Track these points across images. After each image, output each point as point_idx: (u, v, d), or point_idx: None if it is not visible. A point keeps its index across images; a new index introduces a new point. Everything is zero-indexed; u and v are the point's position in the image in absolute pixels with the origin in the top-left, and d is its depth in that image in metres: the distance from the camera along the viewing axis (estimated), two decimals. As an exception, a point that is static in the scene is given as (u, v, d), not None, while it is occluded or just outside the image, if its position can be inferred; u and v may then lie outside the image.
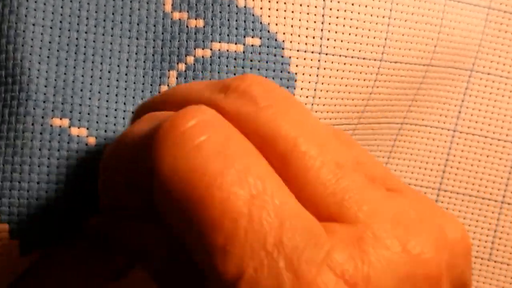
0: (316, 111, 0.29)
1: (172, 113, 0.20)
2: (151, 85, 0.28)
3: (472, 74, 0.34)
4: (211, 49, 0.27)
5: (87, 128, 0.26)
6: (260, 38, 0.28)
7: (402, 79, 0.31)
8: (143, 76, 0.28)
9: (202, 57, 0.27)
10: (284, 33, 0.28)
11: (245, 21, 0.27)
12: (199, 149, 0.18)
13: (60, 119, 0.26)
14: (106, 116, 0.27)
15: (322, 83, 0.28)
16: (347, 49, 0.28)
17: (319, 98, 0.28)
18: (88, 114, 0.26)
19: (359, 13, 0.28)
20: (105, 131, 0.26)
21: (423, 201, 0.22)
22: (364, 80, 0.29)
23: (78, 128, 0.26)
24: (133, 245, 0.22)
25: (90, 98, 0.26)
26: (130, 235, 0.22)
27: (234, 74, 0.27)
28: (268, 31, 0.28)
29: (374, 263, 0.18)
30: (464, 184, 0.35)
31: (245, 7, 0.28)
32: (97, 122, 0.26)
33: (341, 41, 0.28)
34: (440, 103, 0.34)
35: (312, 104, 0.28)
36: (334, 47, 0.28)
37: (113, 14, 0.28)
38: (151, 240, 0.21)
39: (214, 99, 0.21)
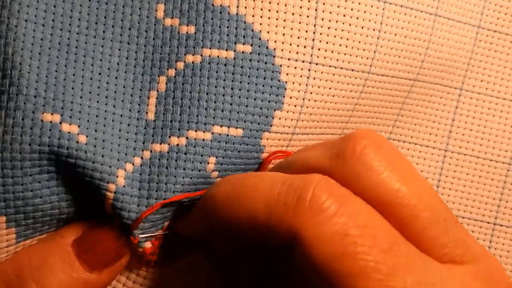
0: (302, 120, 0.29)
1: (298, 177, 0.24)
2: (140, 90, 0.27)
3: (462, 93, 0.34)
4: (201, 55, 0.27)
5: (79, 126, 0.26)
6: (251, 45, 0.28)
7: (388, 92, 0.31)
8: (133, 81, 0.28)
9: (192, 62, 0.27)
10: (275, 41, 0.28)
11: (236, 28, 0.28)
12: (337, 217, 0.22)
13: (51, 114, 0.25)
14: (97, 116, 0.26)
15: (311, 93, 0.28)
16: (337, 60, 0.29)
17: (307, 107, 0.28)
18: (80, 112, 0.26)
19: (350, 24, 0.29)
20: (96, 130, 0.26)
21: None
22: (351, 91, 0.29)
23: (70, 124, 0.26)
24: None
25: (81, 97, 0.26)
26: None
27: (224, 81, 0.27)
28: (260, 39, 0.28)
29: None
30: (456, 206, 0.34)
31: (237, 14, 0.28)
32: (88, 121, 0.26)
33: (332, 51, 0.28)
34: (430, 121, 0.34)
35: (300, 113, 0.28)
36: (324, 57, 0.28)
37: (105, 17, 0.28)
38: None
39: (335, 168, 0.24)
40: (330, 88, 0.29)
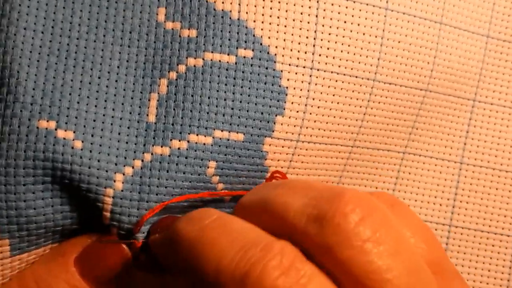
0: (307, 127, 0.28)
1: (254, 245, 0.22)
2: (141, 92, 0.27)
3: (475, 104, 0.33)
4: (203, 59, 0.27)
5: (74, 132, 0.26)
6: (253, 50, 0.28)
7: (398, 102, 0.31)
8: (134, 84, 0.27)
9: (194, 66, 0.27)
10: (276, 47, 0.28)
11: (238, 33, 0.28)
12: None
13: (47, 121, 0.25)
14: (94, 120, 0.26)
15: (314, 99, 0.28)
16: (339, 66, 0.29)
17: (310, 114, 0.28)
18: (76, 117, 0.26)
19: (351, 30, 0.29)
20: (92, 135, 0.26)
21: None
22: (357, 99, 0.29)
23: (65, 130, 0.25)
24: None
25: (78, 102, 0.26)
26: None
27: (226, 85, 0.27)
28: (261, 44, 0.28)
29: None
30: (475, 219, 0.33)
31: (238, 19, 0.28)
32: (84, 126, 0.26)
33: (333, 57, 0.28)
34: (444, 134, 0.33)
35: (303, 120, 0.28)
36: (326, 63, 0.28)
37: (105, 21, 0.27)
38: None
39: (309, 232, 0.22)
40: (333, 95, 0.29)
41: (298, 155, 0.29)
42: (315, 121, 0.29)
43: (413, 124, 0.32)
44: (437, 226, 0.33)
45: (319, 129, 0.29)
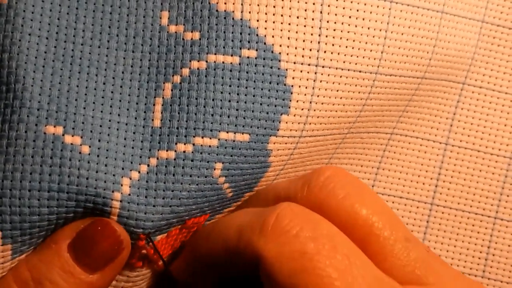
0: (310, 123, 0.28)
1: (267, 208, 0.25)
2: (146, 97, 0.27)
3: (464, 87, 0.33)
4: (206, 61, 0.27)
5: (81, 137, 0.26)
6: (256, 50, 0.27)
7: (396, 91, 0.31)
8: (138, 89, 0.27)
9: (198, 69, 0.27)
10: (280, 45, 0.28)
11: (241, 33, 0.27)
12: (297, 237, 0.24)
13: (54, 126, 0.25)
14: (100, 126, 0.26)
15: (318, 96, 0.28)
16: (344, 62, 0.28)
17: (314, 110, 0.28)
18: (83, 123, 0.26)
19: (356, 26, 0.28)
20: (99, 140, 0.26)
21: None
22: (359, 92, 0.29)
23: (72, 136, 0.26)
24: None
25: (84, 108, 0.26)
26: None
27: (230, 86, 0.27)
28: (265, 43, 0.27)
29: None
30: (457, 199, 0.34)
31: (241, 19, 0.27)
32: (91, 132, 0.26)
33: (338, 53, 0.28)
34: (432, 115, 0.33)
35: (307, 117, 0.28)
36: (330, 60, 0.28)
37: (109, 27, 0.28)
38: None
39: (300, 196, 0.26)
40: (337, 91, 0.28)
41: (299, 149, 0.29)
42: (318, 117, 0.28)
43: (405, 108, 0.32)
44: (419, 204, 0.34)
45: (321, 124, 0.29)
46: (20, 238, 0.26)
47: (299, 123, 0.28)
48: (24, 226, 0.25)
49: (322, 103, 0.28)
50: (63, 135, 0.26)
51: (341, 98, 0.29)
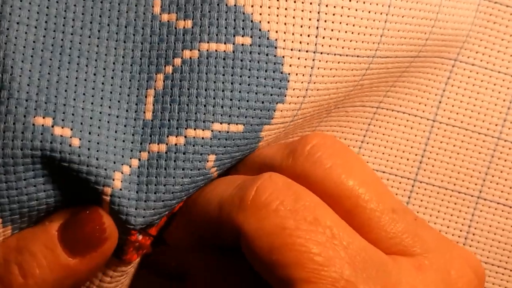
0: (303, 109, 0.27)
1: (249, 178, 0.25)
2: (137, 89, 0.27)
3: (456, 63, 0.32)
4: (198, 50, 0.26)
5: (71, 129, 0.25)
6: (251, 37, 0.26)
7: (388, 70, 0.30)
8: (130, 80, 0.27)
9: (190, 58, 0.26)
10: (276, 32, 0.26)
11: (235, 20, 0.26)
12: (277, 211, 0.23)
13: (43, 118, 0.25)
14: (91, 118, 0.26)
15: (314, 83, 0.27)
16: (343, 48, 0.27)
17: (309, 97, 0.27)
18: (73, 114, 0.25)
19: (356, 9, 0.27)
20: (90, 133, 0.25)
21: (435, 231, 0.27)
22: (354, 76, 0.28)
23: (62, 128, 0.25)
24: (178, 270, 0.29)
25: (74, 99, 0.26)
26: (178, 262, 0.29)
27: (223, 75, 0.26)
28: (260, 30, 0.26)
29: (434, 282, 0.24)
30: (440, 177, 0.33)
31: (235, 5, 0.26)
32: (81, 124, 0.25)
33: (337, 39, 0.27)
34: (420, 91, 0.32)
35: (302, 103, 0.27)
36: (329, 46, 0.27)
37: (100, 16, 0.27)
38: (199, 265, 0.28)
39: (285, 165, 0.26)
40: (334, 76, 0.27)
41: (287, 131, 0.28)
42: (312, 102, 0.28)
43: (393, 84, 0.31)
44: (401, 179, 0.33)
45: (313, 107, 0.28)
46: (19, 220, 0.26)
47: (293, 110, 0.27)
48: (23, 211, 0.25)
49: (317, 90, 0.27)
50: (52, 126, 0.25)
51: (336, 83, 0.28)
